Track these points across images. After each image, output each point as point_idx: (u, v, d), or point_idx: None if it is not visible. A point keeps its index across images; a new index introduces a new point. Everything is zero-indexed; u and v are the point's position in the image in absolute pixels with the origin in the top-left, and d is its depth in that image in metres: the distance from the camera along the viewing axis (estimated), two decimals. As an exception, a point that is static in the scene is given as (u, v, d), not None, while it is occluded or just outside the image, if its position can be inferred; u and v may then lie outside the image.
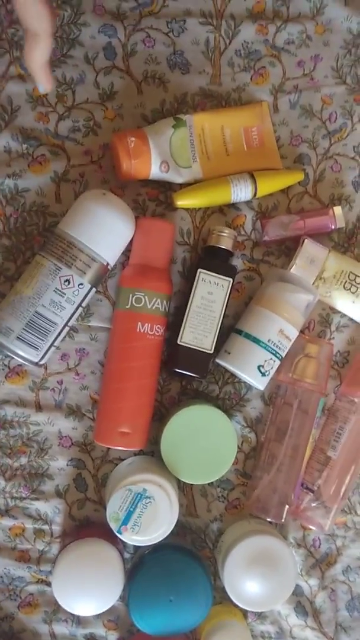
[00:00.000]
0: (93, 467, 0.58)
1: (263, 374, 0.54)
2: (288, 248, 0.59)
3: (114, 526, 0.52)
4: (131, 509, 0.52)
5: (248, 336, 0.54)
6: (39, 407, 0.57)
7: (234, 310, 0.58)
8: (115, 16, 0.57)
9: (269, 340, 0.54)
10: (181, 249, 0.58)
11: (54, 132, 0.57)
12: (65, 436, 0.57)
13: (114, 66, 0.57)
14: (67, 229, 0.52)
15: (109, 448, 0.57)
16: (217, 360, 0.56)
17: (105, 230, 0.52)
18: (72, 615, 0.57)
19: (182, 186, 0.57)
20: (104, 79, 0.57)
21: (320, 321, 0.59)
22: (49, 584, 0.57)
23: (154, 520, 0.52)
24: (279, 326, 0.54)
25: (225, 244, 0.56)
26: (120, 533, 0.52)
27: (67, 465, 0.57)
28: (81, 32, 0.57)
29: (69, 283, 0.52)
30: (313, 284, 0.57)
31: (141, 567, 0.54)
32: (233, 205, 0.58)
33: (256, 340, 0.54)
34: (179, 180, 0.56)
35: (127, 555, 0.58)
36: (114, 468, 0.57)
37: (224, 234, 0.56)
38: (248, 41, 0.58)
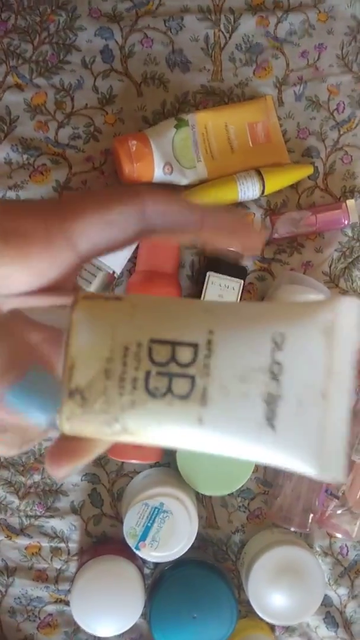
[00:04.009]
0: (108, 482, 0.56)
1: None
2: (301, 245, 0.57)
3: (131, 542, 0.50)
4: (149, 524, 0.50)
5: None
6: (50, 422, 0.56)
7: (246, 313, 0.56)
8: (111, 18, 0.55)
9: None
10: (189, 252, 0.56)
11: (54, 141, 0.56)
12: (79, 450, 0.56)
13: (112, 69, 0.56)
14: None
15: (123, 461, 0.56)
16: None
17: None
18: (93, 635, 0.56)
19: (187, 188, 0.55)
20: (102, 83, 0.56)
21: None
22: (68, 604, 0.56)
23: (172, 535, 0.50)
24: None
25: (234, 245, 0.54)
26: (139, 549, 0.50)
27: (81, 480, 0.56)
28: (77, 37, 0.55)
29: (74, 293, 0.50)
30: None
31: (162, 583, 0.52)
32: (241, 204, 0.56)
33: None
34: (183, 181, 0.55)
35: (147, 571, 0.56)
36: (129, 482, 0.56)
37: (233, 235, 0.54)
38: (248, 34, 0.56)
